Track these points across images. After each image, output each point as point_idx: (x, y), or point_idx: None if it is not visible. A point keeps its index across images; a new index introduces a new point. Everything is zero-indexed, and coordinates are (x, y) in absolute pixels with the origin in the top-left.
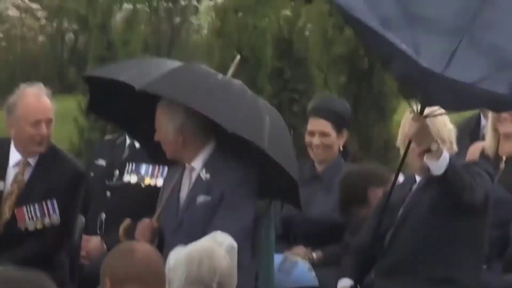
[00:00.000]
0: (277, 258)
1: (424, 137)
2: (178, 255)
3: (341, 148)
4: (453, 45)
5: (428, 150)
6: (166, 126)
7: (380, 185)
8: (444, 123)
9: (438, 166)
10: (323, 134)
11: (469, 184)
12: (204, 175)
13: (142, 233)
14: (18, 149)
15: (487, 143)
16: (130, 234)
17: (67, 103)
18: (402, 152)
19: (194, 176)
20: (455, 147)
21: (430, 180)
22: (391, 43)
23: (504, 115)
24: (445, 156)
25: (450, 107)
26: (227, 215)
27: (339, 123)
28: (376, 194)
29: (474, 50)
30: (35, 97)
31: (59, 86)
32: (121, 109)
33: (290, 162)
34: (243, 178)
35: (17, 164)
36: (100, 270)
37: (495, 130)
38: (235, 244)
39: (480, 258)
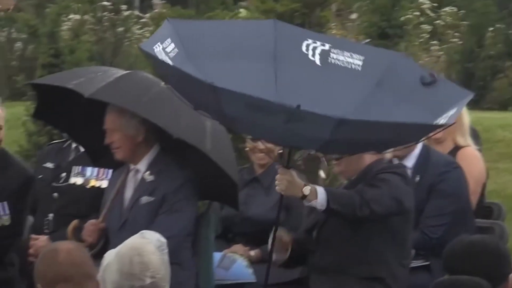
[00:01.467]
0: (217, 255)
1: (294, 187)
2: (110, 256)
3: (280, 151)
4: None
5: (303, 196)
6: (127, 123)
7: None
8: None
9: (319, 203)
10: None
11: (359, 203)
12: (148, 177)
13: (89, 234)
14: None
15: None
16: (77, 234)
17: (16, 109)
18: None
19: (138, 178)
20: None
21: (348, 186)
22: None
23: None
24: (321, 191)
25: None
26: (169, 215)
27: None
28: None
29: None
30: None
31: (9, 93)
32: (66, 115)
33: (230, 164)
34: (185, 180)
35: None
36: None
37: None
38: (163, 239)
39: (404, 256)
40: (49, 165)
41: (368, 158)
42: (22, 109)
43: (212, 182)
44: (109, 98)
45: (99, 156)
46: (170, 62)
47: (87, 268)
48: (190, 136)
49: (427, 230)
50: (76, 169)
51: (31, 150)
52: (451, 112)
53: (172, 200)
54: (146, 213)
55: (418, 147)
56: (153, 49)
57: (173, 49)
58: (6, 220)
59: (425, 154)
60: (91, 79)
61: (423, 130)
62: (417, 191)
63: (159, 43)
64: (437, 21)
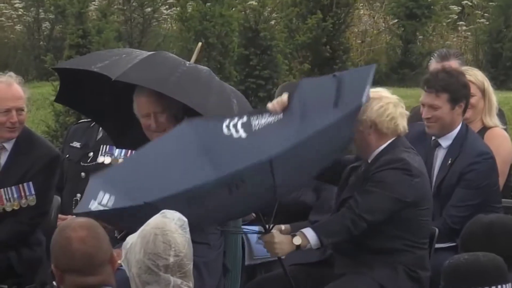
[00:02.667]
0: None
1: (285, 245)
2: (133, 237)
3: None
4: None
5: (298, 247)
6: (174, 102)
7: None
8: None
9: (314, 244)
10: None
11: (351, 222)
12: None
13: None
14: None
15: None
16: None
17: (44, 89)
18: None
19: None
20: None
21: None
22: None
23: None
24: (310, 234)
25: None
26: None
27: None
28: None
29: None
30: (5, 86)
31: (36, 73)
32: (87, 97)
33: None
34: None
35: None
36: None
37: None
38: (185, 219)
39: (420, 239)
40: (76, 144)
41: (384, 140)
42: (50, 89)
43: None
44: (137, 80)
45: (121, 137)
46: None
47: (101, 256)
48: (218, 114)
49: (449, 219)
50: (104, 148)
51: (59, 130)
52: (366, 91)
53: None
54: None
55: (457, 128)
56: (90, 208)
57: (109, 198)
58: (31, 200)
59: (462, 137)
60: (116, 61)
61: (350, 119)
62: (448, 174)
63: (92, 200)
64: (465, 1)
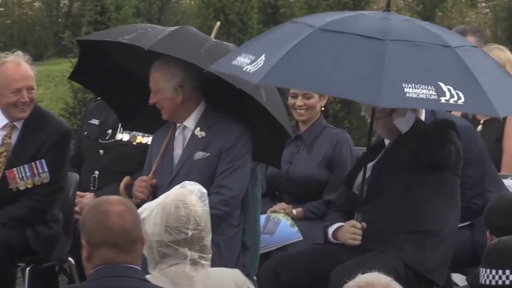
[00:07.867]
0: (260, 219)
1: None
2: (150, 208)
3: (322, 109)
4: None
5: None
6: (166, 85)
7: None
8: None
9: (406, 121)
10: (306, 96)
11: (438, 140)
12: (199, 133)
13: (141, 190)
14: (3, 113)
15: None
16: (129, 190)
17: (62, 66)
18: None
19: (187, 134)
20: None
21: (399, 141)
22: None
23: None
24: (411, 114)
25: None
26: (231, 174)
27: None
28: None
29: None
30: (14, 65)
31: (55, 50)
32: (99, 77)
33: (283, 117)
34: (240, 134)
35: (3, 128)
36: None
37: None
38: (204, 190)
39: (456, 208)
40: (95, 121)
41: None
42: (68, 66)
43: (259, 139)
44: (169, 51)
45: (129, 118)
46: None
47: (137, 233)
48: (248, 87)
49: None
50: None
51: (77, 107)
52: None
53: (230, 156)
54: (202, 168)
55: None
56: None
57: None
58: (45, 177)
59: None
60: (144, 34)
61: None
62: None
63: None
64: None
